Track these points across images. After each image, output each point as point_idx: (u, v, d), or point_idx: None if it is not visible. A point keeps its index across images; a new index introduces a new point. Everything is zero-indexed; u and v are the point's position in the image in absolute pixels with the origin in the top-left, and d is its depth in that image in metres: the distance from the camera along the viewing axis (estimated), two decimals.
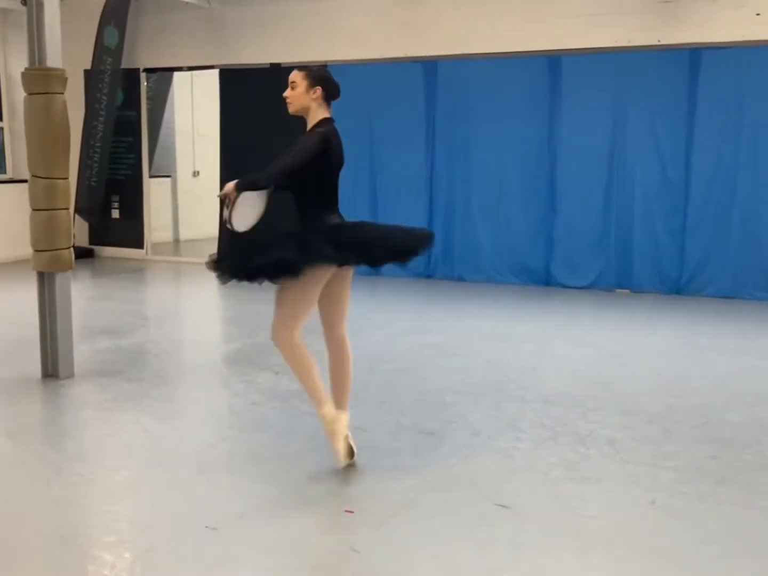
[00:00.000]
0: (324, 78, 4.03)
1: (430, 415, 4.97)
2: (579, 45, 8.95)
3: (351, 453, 4.05)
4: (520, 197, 9.45)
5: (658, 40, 8.70)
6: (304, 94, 3.98)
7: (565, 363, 6.18)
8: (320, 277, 3.92)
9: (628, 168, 8.98)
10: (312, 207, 4.00)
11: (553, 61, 9.13)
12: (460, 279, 9.76)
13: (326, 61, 9.88)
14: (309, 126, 4.03)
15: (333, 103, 4.09)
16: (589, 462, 4.25)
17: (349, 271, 4.13)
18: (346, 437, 4.04)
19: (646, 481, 4.01)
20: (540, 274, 9.48)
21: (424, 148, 9.82)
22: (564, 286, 9.29)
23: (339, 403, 4.16)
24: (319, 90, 3.98)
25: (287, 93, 4.02)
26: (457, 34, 9.42)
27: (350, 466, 4.06)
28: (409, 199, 9.91)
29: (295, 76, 4.01)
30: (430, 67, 9.67)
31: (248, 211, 3.89)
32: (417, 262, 9.79)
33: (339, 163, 4.05)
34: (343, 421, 4.05)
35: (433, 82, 9.68)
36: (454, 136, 9.67)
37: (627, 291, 9.09)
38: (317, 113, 4.01)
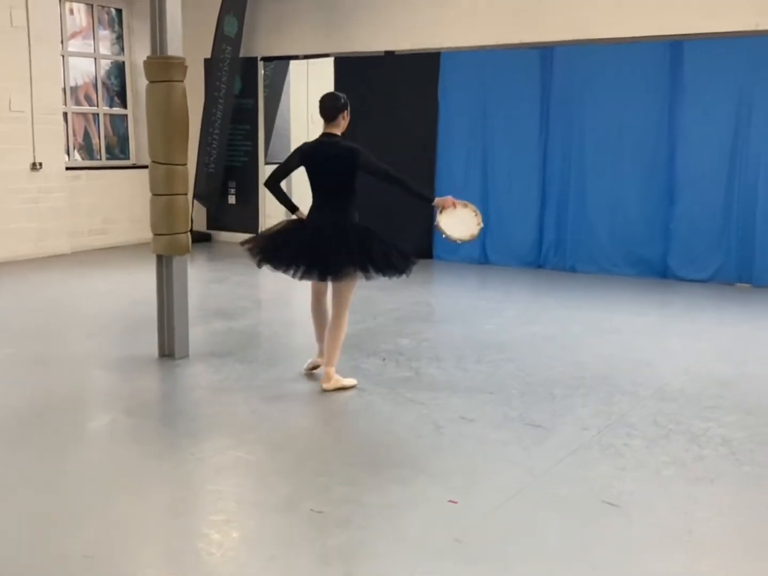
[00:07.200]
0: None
1: (538, 407, 4.90)
2: (703, 30, 8.59)
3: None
4: (637, 186, 9.17)
5: None
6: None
7: (681, 359, 5.98)
8: None
9: (752, 158, 8.55)
10: (354, 204, 5.23)
11: (675, 47, 8.81)
12: (572, 270, 9.57)
13: (440, 48, 9.84)
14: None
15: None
16: (703, 462, 4.10)
17: None
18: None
19: (764, 483, 3.85)
20: (656, 265, 9.18)
21: (537, 135, 9.64)
22: (681, 279, 8.97)
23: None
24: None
25: None
26: (574, 19, 9.18)
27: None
28: (521, 186, 9.76)
29: None
30: (545, 53, 9.49)
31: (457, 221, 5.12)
32: (528, 252, 9.92)
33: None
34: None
35: (548, 68, 9.48)
36: (569, 123, 9.46)
37: (748, 285, 8.71)
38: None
